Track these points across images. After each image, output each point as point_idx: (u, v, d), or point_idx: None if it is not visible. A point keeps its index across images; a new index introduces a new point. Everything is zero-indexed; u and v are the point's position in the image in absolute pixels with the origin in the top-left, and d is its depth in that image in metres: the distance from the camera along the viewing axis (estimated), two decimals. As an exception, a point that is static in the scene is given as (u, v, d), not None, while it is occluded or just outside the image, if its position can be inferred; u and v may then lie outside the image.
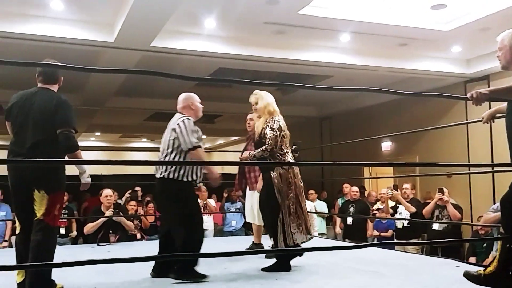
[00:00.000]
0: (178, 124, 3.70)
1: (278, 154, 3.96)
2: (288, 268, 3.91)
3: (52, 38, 6.62)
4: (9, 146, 3.34)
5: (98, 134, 18.07)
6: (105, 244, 5.67)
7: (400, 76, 9.41)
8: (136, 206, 6.96)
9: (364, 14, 6.78)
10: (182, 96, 3.96)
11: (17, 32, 6.41)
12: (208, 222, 7.56)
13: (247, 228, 7.85)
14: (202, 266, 3.65)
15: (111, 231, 5.84)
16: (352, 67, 8.44)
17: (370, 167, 11.81)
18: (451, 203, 6.38)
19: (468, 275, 3.03)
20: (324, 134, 13.54)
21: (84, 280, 3.56)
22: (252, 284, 3.47)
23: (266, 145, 3.90)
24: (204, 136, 10.76)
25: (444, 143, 9.59)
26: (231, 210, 8.22)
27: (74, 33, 6.66)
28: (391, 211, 6.99)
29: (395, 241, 6.76)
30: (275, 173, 3.92)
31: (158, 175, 3.71)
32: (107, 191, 6.03)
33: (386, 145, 11.36)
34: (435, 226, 6.36)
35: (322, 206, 8.86)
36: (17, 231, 3.36)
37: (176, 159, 3.67)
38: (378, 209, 7.56)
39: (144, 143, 20.12)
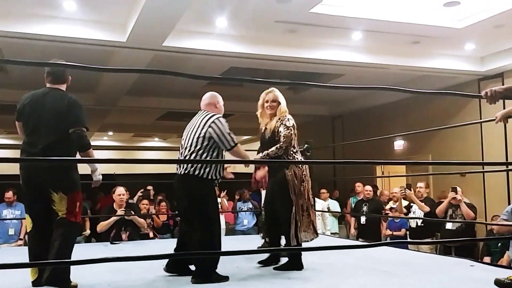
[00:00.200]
0: (213, 122, 3.66)
1: (291, 152, 3.97)
2: (300, 267, 3.90)
3: (65, 38, 6.67)
4: (21, 146, 3.37)
5: (110, 133, 18.20)
6: (118, 242, 5.71)
7: (412, 75, 9.35)
8: (148, 205, 7.00)
9: (376, 12, 6.74)
10: (208, 94, 3.97)
11: (30, 33, 6.48)
12: (220, 221, 7.59)
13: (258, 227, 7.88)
14: (214, 265, 3.64)
15: (123, 229, 5.88)
16: (364, 66, 8.40)
17: (382, 166, 11.74)
18: (464, 202, 6.31)
19: (498, 283, 2.98)
20: (336, 133, 13.49)
21: (97, 278, 3.58)
22: (265, 283, 3.46)
23: (281, 143, 3.90)
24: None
25: (457, 142, 9.51)
26: (243, 209, 8.25)
27: (86, 33, 6.71)
28: (405, 210, 6.94)
29: (408, 240, 6.71)
30: (289, 171, 3.92)
31: (181, 171, 3.64)
32: (120, 190, 6.06)
33: (399, 144, 11.28)
34: (449, 226, 6.30)
35: (335, 205, 8.83)
36: (28, 229, 3.40)
37: (204, 157, 3.61)
38: (391, 209, 7.52)
39: (156, 142, 20.23)
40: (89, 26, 6.71)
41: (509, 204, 7.76)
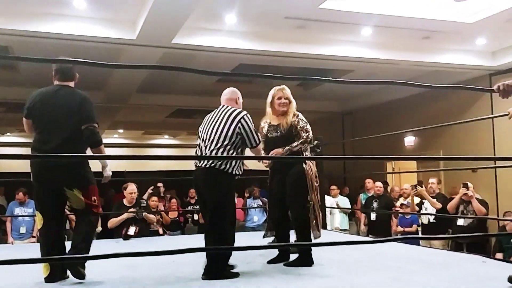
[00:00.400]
0: (242, 118, 3.64)
1: (304, 148, 4.03)
2: (310, 263, 3.89)
3: (75, 37, 6.72)
4: (32, 143, 3.37)
5: (121, 131, 18.26)
6: (130, 238, 5.73)
7: (423, 70, 9.28)
8: (157, 202, 7.03)
9: (386, 7, 6.70)
10: (229, 89, 4.00)
11: (40, 31, 6.52)
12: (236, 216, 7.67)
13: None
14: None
15: (133, 224, 5.90)
16: (373, 61, 8.36)
17: (393, 163, 11.68)
18: (476, 198, 6.25)
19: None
20: (346, 129, 13.44)
21: (109, 273, 3.59)
22: (276, 279, 3.46)
23: (305, 137, 3.94)
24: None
25: (469, 138, 9.43)
26: (252, 206, 8.30)
27: (96, 31, 6.75)
28: (417, 208, 6.89)
29: (420, 235, 6.67)
30: (307, 166, 3.95)
31: (205, 164, 3.56)
32: (132, 187, 6.09)
33: (409, 140, 11.21)
34: (460, 222, 6.24)
35: (345, 202, 8.80)
36: (39, 226, 3.42)
37: (230, 153, 3.60)
38: (401, 205, 7.47)
39: (166, 139, 20.27)
40: (99, 24, 6.74)
41: (521, 200, 7.69)
